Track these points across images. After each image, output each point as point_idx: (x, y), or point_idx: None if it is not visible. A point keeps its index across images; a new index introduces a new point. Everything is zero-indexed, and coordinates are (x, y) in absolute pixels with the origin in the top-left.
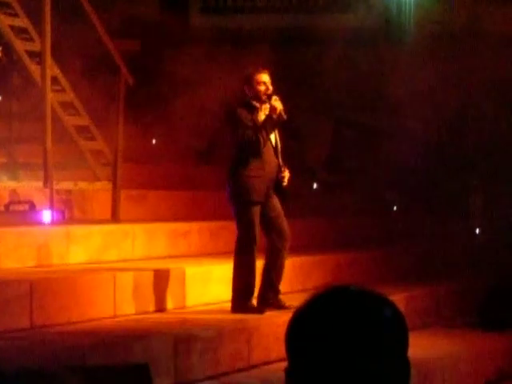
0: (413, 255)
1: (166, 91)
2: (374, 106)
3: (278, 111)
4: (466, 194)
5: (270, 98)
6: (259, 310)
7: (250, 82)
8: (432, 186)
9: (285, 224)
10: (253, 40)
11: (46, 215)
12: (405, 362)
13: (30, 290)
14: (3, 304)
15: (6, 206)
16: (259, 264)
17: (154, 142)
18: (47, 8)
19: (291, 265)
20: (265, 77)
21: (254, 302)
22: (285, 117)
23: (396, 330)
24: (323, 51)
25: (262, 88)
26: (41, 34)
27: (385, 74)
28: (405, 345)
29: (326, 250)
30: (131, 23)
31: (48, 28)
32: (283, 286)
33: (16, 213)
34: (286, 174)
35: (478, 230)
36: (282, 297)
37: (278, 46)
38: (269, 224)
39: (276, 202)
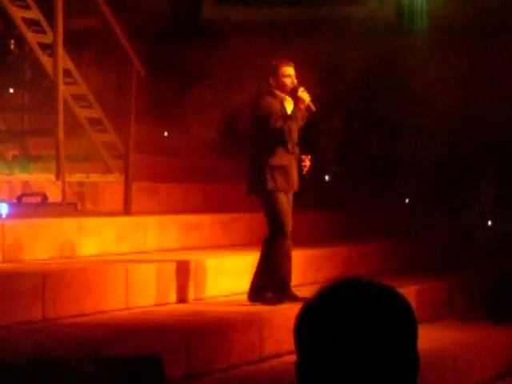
0: (424, 247)
1: (178, 84)
2: (385, 98)
3: (306, 103)
4: (478, 187)
5: (296, 89)
6: (274, 301)
7: (276, 73)
8: (444, 179)
9: (290, 218)
10: (265, 32)
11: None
12: (413, 355)
13: (43, 282)
14: (16, 296)
15: (19, 199)
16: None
17: (166, 134)
18: (59, 0)
19: (303, 257)
20: (290, 70)
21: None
22: (313, 108)
23: (405, 323)
24: (335, 43)
25: (288, 81)
26: (53, 26)
27: (397, 66)
28: (413, 337)
29: (337, 243)
30: (143, 16)
31: (60, 20)
32: (295, 279)
33: (28, 205)
34: (307, 163)
35: (489, 223)
36: (294, 289)
37: (290, 37)
38: None
39: (291, 197)
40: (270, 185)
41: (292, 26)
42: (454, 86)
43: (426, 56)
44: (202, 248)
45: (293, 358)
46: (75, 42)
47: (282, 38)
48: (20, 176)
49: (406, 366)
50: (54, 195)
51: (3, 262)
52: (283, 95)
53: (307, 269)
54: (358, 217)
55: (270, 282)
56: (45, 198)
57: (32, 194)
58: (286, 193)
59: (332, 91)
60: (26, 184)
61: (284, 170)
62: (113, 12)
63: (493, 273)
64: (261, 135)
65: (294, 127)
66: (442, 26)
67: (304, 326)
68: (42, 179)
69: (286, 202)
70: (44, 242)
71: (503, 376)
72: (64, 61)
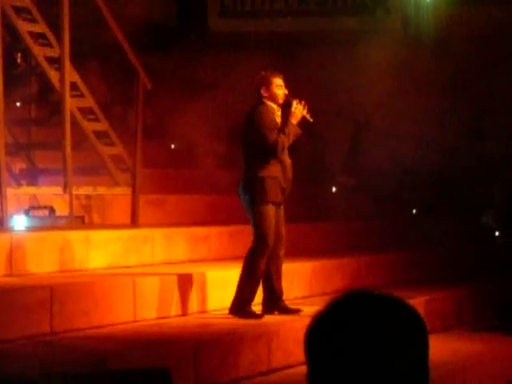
0: (433, 258)
1: (185, 96)
2: (392, 110)
3: (299, 117)
4: (486, 196)
5: (288, 102)
6: (259, 315)
7: (268, 83)
8: (451, 189)
9: (283, 229)
10: (270, 43)
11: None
12: (424, 366)
13: (51, 295)
14: (24, 309)
15: (26, 212)
16: None
17: (172, 146)
18: (66, 13)
19: (311, 269)
20: (280, 80)
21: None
22: (310, 119)
23: (415, 334)
24: (341, 54)
25: (280, 92)
26: (59, 39)
27: (403, 77)
28: (424, 348)
29: (345, 254)
30: (149, 29)
31: (67, 33)
32: (303, 290)
33: (36, 218)
34: (301, 104)
35: (497, 233)
36: (302, 300)
37: (296, 49)
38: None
39: (282, 208)
40: (261, 195)
41: (297, 37)
42: (460, 96)
43: (433, 66)
44: (210, 260)
45: (302, 369)
46: (82, 55)
47: (288, 49)
48: (27, 189)
49: (416, 377)
50: (61, 208)
51: (11, 275)
52: (275, 107)
53: (316, 280)
54: (366, 228)
55: (252, 295)
56: (52, 211)
57: (39, 208)
58: (276, 204)
59: (339, 103)
60: (33, 197)
61: (275, 180)
62: (119, 25)
63: (501, 283)
64: (254, 146)
65: (286, 143)
66: (451, 37)
67: (314, 338)
68: (50, 192)
69: (273, 214)
70: (51, 255)
71: None
72: (70, 74)
